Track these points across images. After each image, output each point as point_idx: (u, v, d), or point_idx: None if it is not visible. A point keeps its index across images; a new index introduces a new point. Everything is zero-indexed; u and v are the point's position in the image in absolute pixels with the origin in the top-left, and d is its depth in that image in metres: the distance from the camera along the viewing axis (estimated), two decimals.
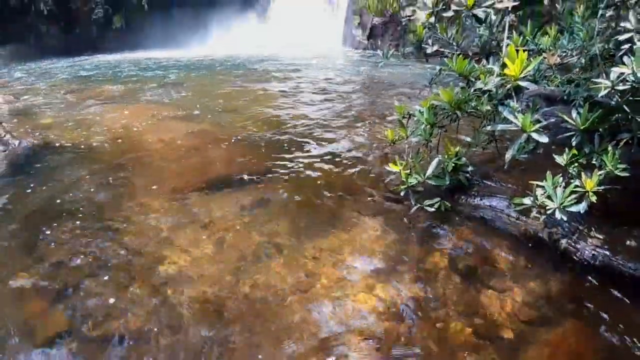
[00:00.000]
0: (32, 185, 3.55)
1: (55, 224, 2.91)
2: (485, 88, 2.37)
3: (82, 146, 4.53)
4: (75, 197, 3.32)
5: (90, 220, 2.96)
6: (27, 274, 2.42)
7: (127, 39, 18.14)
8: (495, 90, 2.40)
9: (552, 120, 2.78)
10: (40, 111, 6.32)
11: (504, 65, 2.19)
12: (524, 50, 2.14)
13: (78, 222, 2.93)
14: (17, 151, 4.39)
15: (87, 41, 18.48)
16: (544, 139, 2.07)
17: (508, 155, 2.31)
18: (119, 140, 4.65)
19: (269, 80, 8.54)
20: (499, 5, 2.42)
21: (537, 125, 2.09)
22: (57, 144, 4.60)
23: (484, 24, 2.76)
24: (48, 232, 2.82)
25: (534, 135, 2.08)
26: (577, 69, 2.90)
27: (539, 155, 2.82)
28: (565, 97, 3.11)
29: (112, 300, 2.21)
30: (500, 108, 2.33)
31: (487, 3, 2.41)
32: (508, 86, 2.25)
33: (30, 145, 4.55)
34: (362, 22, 15.45)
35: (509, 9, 2.49)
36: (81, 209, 3.12)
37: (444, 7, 2.60)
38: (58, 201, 3.25)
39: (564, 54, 2.68)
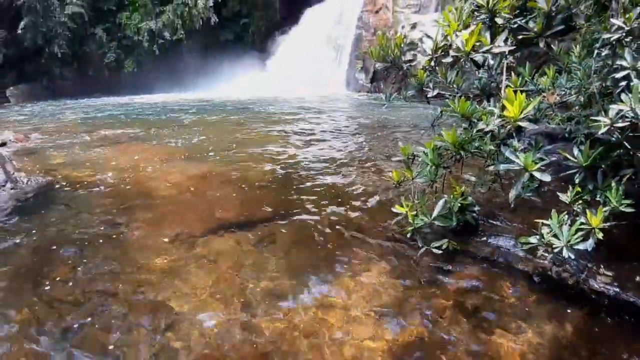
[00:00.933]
0: (37, 224, 3.55)
1: (56, 266, 2.89)
2: (487, 129, 2.40)
3: (91, 187, 4.56)
4: (79, 238, 3.29)
5: (92, 263, 2.93)
6: (26, 314, 2.40)
7: (138, 81, 18.79)
8: (497, 130, 2.44)
9: (555, 158, 2.81)
10: (50, 150, 6.46)
11: (503, 107, 2.23)
12: (522, 91, 2.20)
13: (80, 266, 2.89)
14: (26, 189, 4.46)
15: (99, 83, 19.18)
16: (546, 178, 2.09)
17: (512, 195, 2.32)
18: (128, 187, 4.57)
19: (277, 123, 8.74)
20: (496, 50, 2.49)
21: (540, 164, 2.11)
22: (65, 184, 4.65)
23: (482, 68, 2.84)
24: (50, 273, 2.79)
25: (536, 174, 2.10)
26: (577, 107, 2.95)
27: (545, 193, 2.83)
28: (566, 135, 3.15)
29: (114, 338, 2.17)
30: (502, 148, 2.35)
31: (485, 48, 2.48)
32: (508, 127, 2.29)
33: (39, 184, 4.62)
34: (365, 66, 15.97)
35: (506, 52, 2.57)
36: (84, 252, 3.09)
37: (442, 53, 2.68)
38: (61, 243, 3.22)
39: (563, 93, 2.72)
